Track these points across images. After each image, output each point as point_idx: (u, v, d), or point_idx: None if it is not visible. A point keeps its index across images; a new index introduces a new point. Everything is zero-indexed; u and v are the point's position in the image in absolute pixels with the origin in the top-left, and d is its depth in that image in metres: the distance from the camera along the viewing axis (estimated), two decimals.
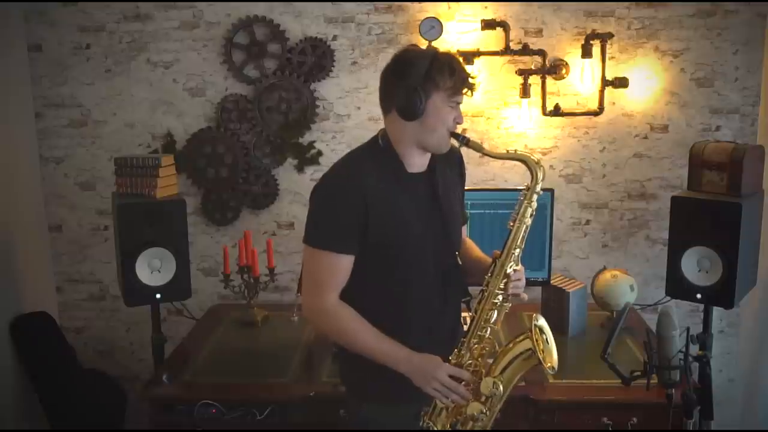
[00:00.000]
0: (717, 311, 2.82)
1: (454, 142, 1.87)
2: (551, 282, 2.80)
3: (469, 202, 2.73)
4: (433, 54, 1.81)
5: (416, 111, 1.77)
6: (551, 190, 2.79)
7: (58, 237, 3.35)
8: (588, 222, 3.25)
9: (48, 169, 3.29)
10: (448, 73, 1.77)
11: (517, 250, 1.86)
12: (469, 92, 1.83)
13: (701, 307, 2.72)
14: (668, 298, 2.64)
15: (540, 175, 1.85)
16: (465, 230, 2.13)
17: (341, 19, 3.12)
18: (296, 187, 3.25)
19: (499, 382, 1.81)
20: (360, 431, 1.96)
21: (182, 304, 2.89)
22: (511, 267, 1.86)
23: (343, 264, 1.83)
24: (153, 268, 2.60)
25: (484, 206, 2.75)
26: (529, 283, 2.81)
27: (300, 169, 3.23)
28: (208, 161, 3.20)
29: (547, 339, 1.85)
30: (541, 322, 1.86)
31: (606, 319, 2.84)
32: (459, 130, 1.85)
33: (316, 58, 3.14)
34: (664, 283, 2.60)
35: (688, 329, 1.89)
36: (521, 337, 1.84)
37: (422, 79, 1.76)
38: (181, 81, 3.20)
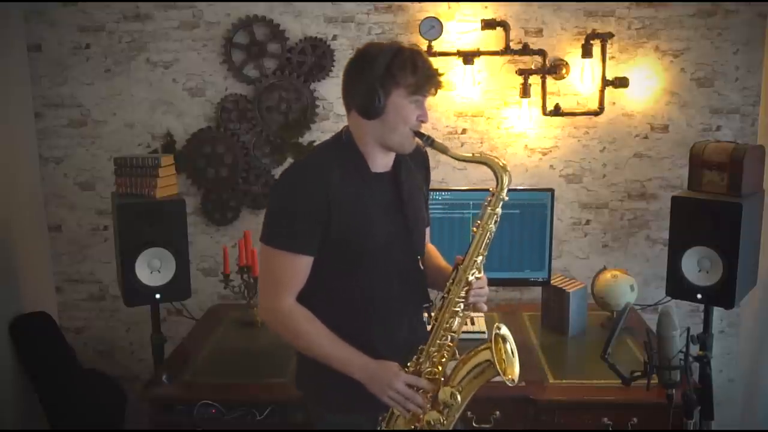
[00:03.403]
0: (717, 311, 2.82)
1: (420, 142, 1.81)
2: (551, 282, 2.80)
3: (470, 202, 2.75)
4: (396, 49, 1.73)
5: (375, 109, 1.71)
6: (551, 190, 2.79)
7: (57, 237, 3.35)
8: (588, 222, 3.25)
9: (48, 169, 3.29)
10: (410, 70, 1.70)
11: (480, 258, 1.80)
12: (434, 90, 1.76)
13: (701, 307, 2.72)
14: (668, 298, 2.64)
15: (506, 181, 1.78)
16: (428, 234, 2.06)
17: (341, 19, 3.12)
18: None
19: (457, 393, 1.76)
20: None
21: (182, 304, 2.89)
22: (473, 274, 1.80)
23: (301, 265, 1.78)
24: (153, 268, 2.60)
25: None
26: (529, 283, 2.85)
27: None
28: (207, 161, 3.20)
29: (510, 349, 1.79)
30: (504, 331, 1.79)
31: (606, 319, 2.84)
32: (428, 129, 1.78)
33: (316, 57, 3.13)
34: (665, 283, 2.60)
35: (688, 329, 1.88)
36: (482, 347, 1.78)
37: (382, 75, 1.69)
38: (181, 81, 3.20)
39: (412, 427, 1.79)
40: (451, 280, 1.81)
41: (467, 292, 1.80)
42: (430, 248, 2.07)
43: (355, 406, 1.82)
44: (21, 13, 3.15)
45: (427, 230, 2.06)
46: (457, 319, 1.81)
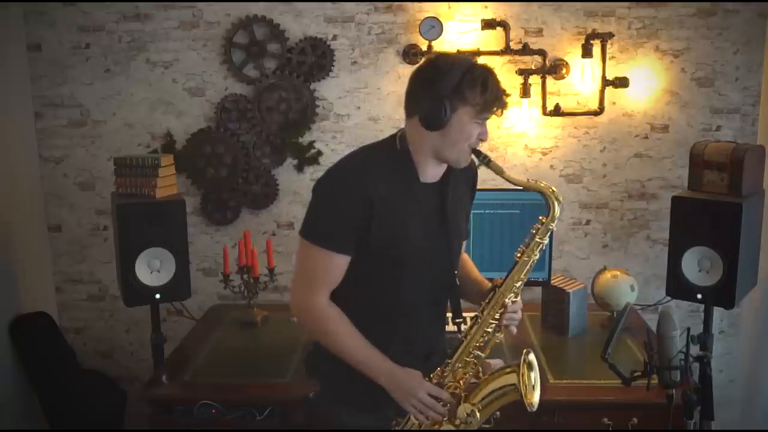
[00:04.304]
0: (717, 311, 2.82)
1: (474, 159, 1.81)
2: (551, 282, 2.80)
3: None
4: (468, 65, 1.71)
5: (439, 123, 1.69)
6: None
7: (57, 237, 3.34)
8: (588, 222, 3.25)
9: (47, 168, 3.29)
10: (479, 89, 1.68)
11: (519, 282, 1.82)
12: (500, 111, 1.75)
13: (702, 307, 2.71)
14: (668, 298, 2.64)
15: (557, 211, 1.79)
16: (463, 245, 2.07)
17: (341, 19, 3.12)
18: (296, 187, 3.25)
19: (477, 411, 1.77)
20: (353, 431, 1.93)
21: (182, 304, 2.89)
22: (510, 298, 1.81)
23: (338, 263, 1.78)
24: (153, 269, 2.60)
25: (484, 206, 2.75)
26: (529, 283, 2.80)
27: (300, 169, 3.23)
28: (207, 161, 3.20)
29: (533, 376, 1.81)
30: (531, 357, 1.82)
31: (606, 319, 2.84)
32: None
33: (316, 57, 3.13)
34: (665, 283, 2.60)
35: (688, 329, 1.88)
36: (508, 370, 1.80)
37: (451, 90, 1.68)
38: (181, 81, 3.19)
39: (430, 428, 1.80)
40: (486, 301, 1.83)
41: (501, 314, 1.81)
42: (465, 258, 2.08)
43: (373, 407, 1.83)
44: (21, 13, 3.15)
45: (464, 242, 2.07)
46: (487, 339, 1.82)
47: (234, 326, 2.93)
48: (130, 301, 2.63)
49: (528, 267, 1.82)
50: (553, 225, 1.82)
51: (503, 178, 1.79)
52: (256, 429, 2.35)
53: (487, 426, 2.23)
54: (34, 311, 3.15)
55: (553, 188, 1.81)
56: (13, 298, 3.07)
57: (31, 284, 3.21)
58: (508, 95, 1.76)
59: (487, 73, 1.72)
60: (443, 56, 1.81)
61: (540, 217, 1.83)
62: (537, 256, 1.83)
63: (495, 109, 1.73)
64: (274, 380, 2.45)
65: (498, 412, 2.22)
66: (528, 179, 1.85)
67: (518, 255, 1.82)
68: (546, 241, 1.83)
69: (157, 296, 2.61)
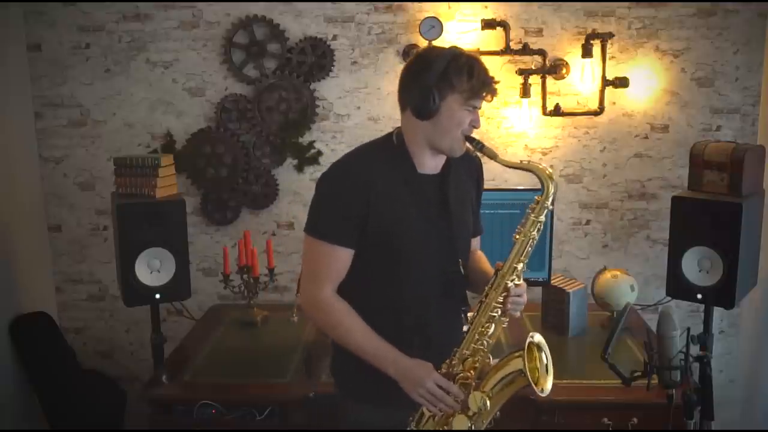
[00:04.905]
0: (717, 311, 2.82)
1: (470, 147, 1.82)
2: (551, 282, 2.80)
3: None
4: (454, 54, 1.76)
5: (429, 111, 1.74)
6: None
7: (57, 237, 3.34)
8: (588, 222, 3.25)
9: (47, 168, 3.29)
10: (466, 76, 1.73)
11: (520, 264, 1.81)
12: (489, 97, 1.78)
13: (702, 307, 2.72)
14: (669, 298, 2.64)
15: (551, 189, 1.79)
16: (477, 242, 2.08)
17: (341, 19, 3.12)
18: (296, 187, 3.25)
19: (487, 399, 1.76)
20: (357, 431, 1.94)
21: (182, 304, 2.89)
22: (512, 281, 1.80)
23: (341, 257, 1.81)
24: (152, 269, 2.60)
25: (484, 206, 2.70)
26: (530, 283, 2.81)
27: (300, 169, 3.23)
28: (207, 161, 3.20)
29: (545, 357, 1.79)
30: (538, 338, 1.79)
31: (606, 319, 2.84)
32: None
33: (316, 57, 3.13)
34: (665, 283, 2.60)
35: (688, 329, 1.88)
36: (516, 354, 1.77)
37: (438, 79, 1.72)
38: (181, 81, 3.19)
39: (442, 428, 1.80)
40: (489, 285, 1.82)
41: (505, 298, 1.80)
42: (479, 254, 2.08)
43: (390, 403, 1.83)
44: (21, 13, 3.15)
45: (478, 238, 2.07)
46: (492, 324, 1.81)
47: (234, 326, 2.93)
48: (130, 301, 2.63)
49: (527, 247, 1.80)
50: (548, 203, 1.80)
51: (497, 161, 1.80)
52: (256, 429, 2.35)
53: (488, 426, 2.23)
54: (34, 311, 3.15)
55: (549, 169, 1.82)
56: (13, 298, 3.07)
57: (31, 284, 3.21)
58: (496, 82, 1.79)
59: (473, 60, 1.76)
60: (430, 48, 1.88)
61: (536, 197, 1.81)
62: (536, 236, 1.81)
63: (483, 94, 1.77)
64: (274, 380, 2.45)
65: (498, 412, 2.23)
66: (521, 161, 1.88)
67: (516, 236, 1.82)
68: (543, 219, 1.81)
69: (157, 296, 2.61)
